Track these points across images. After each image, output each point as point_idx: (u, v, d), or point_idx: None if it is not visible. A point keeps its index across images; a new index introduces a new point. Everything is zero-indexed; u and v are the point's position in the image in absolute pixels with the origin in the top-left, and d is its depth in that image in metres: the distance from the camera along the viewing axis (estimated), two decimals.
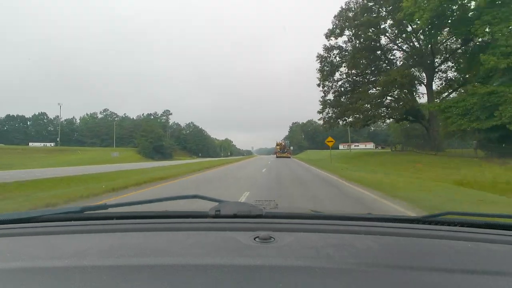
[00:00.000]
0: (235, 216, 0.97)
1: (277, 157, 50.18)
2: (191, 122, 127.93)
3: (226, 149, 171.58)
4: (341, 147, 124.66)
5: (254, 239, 0.77)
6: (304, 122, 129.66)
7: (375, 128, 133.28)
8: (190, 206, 1.21)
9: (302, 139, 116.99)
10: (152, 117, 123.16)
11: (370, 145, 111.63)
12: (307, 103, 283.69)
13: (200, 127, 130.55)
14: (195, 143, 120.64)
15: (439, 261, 0.69)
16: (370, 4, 30.64)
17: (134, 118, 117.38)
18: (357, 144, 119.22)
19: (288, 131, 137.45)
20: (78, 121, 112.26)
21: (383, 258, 0.70)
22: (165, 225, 0.95)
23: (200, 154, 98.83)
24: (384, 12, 30.17)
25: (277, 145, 60.87)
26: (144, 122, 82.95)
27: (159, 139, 73.53)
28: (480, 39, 22.32)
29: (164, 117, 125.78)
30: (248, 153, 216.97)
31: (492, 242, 0.84)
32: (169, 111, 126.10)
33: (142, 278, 0.58)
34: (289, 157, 49.85)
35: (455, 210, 1.07)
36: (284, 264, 0.64)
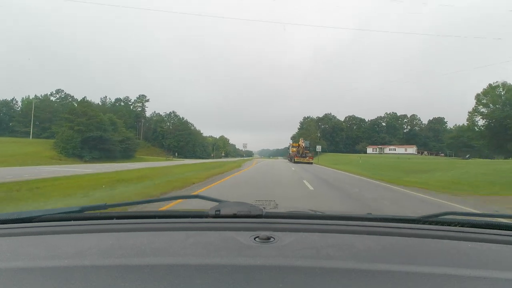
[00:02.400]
0: (235, 216, 0.98)
1: (295, 162, 35.28)
2: (172, 112, 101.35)
3: (220, 149, 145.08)
4: (369, 150, 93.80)
5: (254, 239, 0.78)
6: (320, 116, 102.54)
7: (411, 128, 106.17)
8: (190, 206, 1.17)
9: (318, 138, 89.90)
10: (122, 103, 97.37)
11: (411, 149, 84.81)
12: (317, 100, 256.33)
13: (185, 119, 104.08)
14: (176, 139, 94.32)
15: (439, 261, 0.70)
16: None
17: (99, 103, 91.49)
18: (392, 147, 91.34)
19: (298, 128, 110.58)
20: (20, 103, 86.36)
21: (383, 258, 0.71)
22: (165, 225, 0.96)
23: (177, 154, 72.48)
24: None
25: (292, 146, 45.97)
26: (81, 104, 55.74)
27: (100, 127, 46.42)
28: None
29: (138, 104, 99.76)
30: (248, 155, 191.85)
31: (492, 242, 0.84)
32: (145, 96, 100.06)
33: (142, 278, 0.58)
34: (311, 163, 34.96)
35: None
36: (284, 264, 0.64)
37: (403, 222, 1.02)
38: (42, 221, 0.98)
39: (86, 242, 0.79)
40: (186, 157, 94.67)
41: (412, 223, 1.02)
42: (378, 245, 0.78)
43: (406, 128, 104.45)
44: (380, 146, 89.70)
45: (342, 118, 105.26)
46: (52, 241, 0.82)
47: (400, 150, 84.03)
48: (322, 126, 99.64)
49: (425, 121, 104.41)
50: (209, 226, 0.92)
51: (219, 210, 0.99)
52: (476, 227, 0.96)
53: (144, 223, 0.96)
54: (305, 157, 36.75)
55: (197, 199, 1.13)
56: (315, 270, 0.61)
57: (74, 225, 0.96)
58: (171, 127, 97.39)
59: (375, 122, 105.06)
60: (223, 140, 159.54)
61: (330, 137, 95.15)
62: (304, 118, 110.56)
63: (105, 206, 1.10)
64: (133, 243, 0.78)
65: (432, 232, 0.90)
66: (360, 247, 0.76)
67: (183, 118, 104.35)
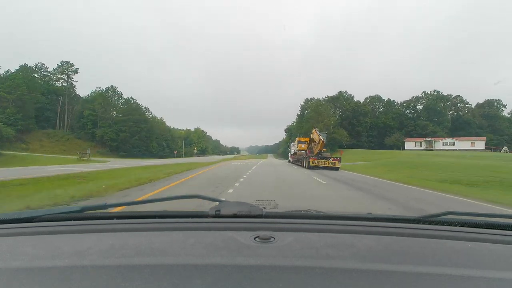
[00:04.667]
0: (235, 216, 0.99)
1: (310, 166, 21.49)
2: (112, 87, 69.28)
3: (194, 144, 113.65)
4: (409, 145, 58.79)
5: (254, 239, 0.79)
6: (331, 95, 72.07)
7: (456, 113, 77.73)
8: (190, 206, 1.27)
9: (333, 126, 59.76)
10: (33, 74, 64.56)
11: (480, 143, 56.20)
12: (319, 86, 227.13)
13: (134, 100, 72.12)
14: (114, 128, 62.68)
15: (439, 261, 0.70)
16: None
17: None
18: (449, 140, 57.50)
19: (298, 115, 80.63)
20: None
21: (383, 258, 0.71)
22: (165, 225, 0.97)
23: (89, 151, 40.56)
24: None
25: (299, 141, 30.22)
26: None
27: None
28: None
29: (61, 76, 67.23)
30: (233, 152, 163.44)
31: (492, 242, 0.85)
32: (72, 64, 67.41)
33: (142, 278, 0.59)
34: (338, 168, 21.18)
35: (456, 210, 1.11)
36: (284, 264, 0.65)
37: (403, 222, 1.03)
38: (42, 221, 0.98)
39: (86, 242, 0.80)
40: (130, 155, 63.16)
41: (412, 223, 1.03)
42: (378, 245, 0.79)
43: (449, 113, 75.54)
44: (428, 139, 60.55)
45: (360, 101, 75.40)
46: (52, 241, 0.83)
47: (461, 144, 55.11)
48: (333, 110, 69.22)
49: (470, 103, 75.81)
50: (209, 226, 0.93)
51: (219, 210, 1.00)
52: (476, 227, 0.97)
53: (144, 223, 0.97)
54: (327, 158, 21.79)
55: (198, 199, 1.18)
56: (315, 270, 0.62)
57: (74, 225, 0.96)
58: (107, 110, 65.06)
59: (409, 105, 76.00)
60: (199, 134, 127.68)
61: (348, 126, 65.56)
62: (307, 101, 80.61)
63: (105, 206, 1.11)
64: (133, 243, 0.78)
65: (432, 232, 0.91)
66: (360, 247, 0.76)
67: (131, 99, 72.28)
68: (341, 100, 70.02)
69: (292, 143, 35.23)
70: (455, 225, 0.99)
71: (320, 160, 21.75)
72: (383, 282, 0.59)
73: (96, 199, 6.83)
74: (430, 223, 1.01)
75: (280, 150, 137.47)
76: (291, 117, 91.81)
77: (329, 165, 21.39)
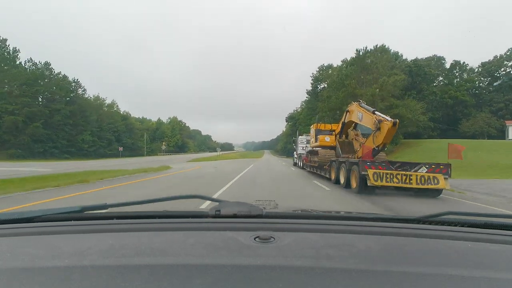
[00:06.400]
0: (235, 216, 1.00)
1: (366, 185, 8.10)
2: (14, 48, 41.37)
3: (167, 138, 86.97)
4: None
5: (254, 239, 0.79)
6: (364, 51, 44.75)
7: None
8: (190, 206, 1.30)
9: (393, 90, 33.17)
10: None
11: None
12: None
13: (47, 65, 44.86)
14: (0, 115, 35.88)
15: (439, 261, 0.71)
16: None
17: None
18: None
19: (308, 90, 54.83)
20: None
21: (383, 258, 0.72)
22: (165, 225, 0.98)
23: None
24: None
25: (319, 131, 15.44)
26: None
27: None
28: None
29: None
30: (223, 148, 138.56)
31: (492, 242, 0.86)
32: None
33: (142, 278, 0.59)
34: (441, 192, 8.29)
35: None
36: (284, 264, 0.66)
37: (403, 222, 1.04)
38: (42, 221, 0.99)
39: (86, 242, 0.80)
40: (35, 154, 36.64)
41: (412, 223, 1.04)
42: (378, 245, 0.79)
43: None
44: None
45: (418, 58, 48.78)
46: (52, 241, 0.83)
47: None
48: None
49: None
50: (209, 226, 0.93)
51: (219, 210, 1.01)
52: (476, 227, 0.98)
53: (144, 223, 0.98)
54: (416, 165, 8.39)
55: (197, 199, 1.20)
56: (315, 270, 0.62)
57: (74, 225, 0.97)
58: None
59: (489, 70, 49.89)
60: (174, 125, 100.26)
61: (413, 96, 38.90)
62: (322, 69, 54.29)
63: (105, 206, 1.12)
64: (133, 243, 0.79)
65: (432, 232, 0.92)
66: (360, 247, 0.77)
67: (41, 64, 45.03)
68: (387, 57, 42.75)
69: (300, 136, 23.69)
70: (455, 225, 0.99)
71: (398, 173, 8.25)
72: (383, 282, 0.59)
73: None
74: (430, 223, 1.02)
75: (279, 146, 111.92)
76: (287, 111, 67.57)
77: (425, 187, 8.11)
